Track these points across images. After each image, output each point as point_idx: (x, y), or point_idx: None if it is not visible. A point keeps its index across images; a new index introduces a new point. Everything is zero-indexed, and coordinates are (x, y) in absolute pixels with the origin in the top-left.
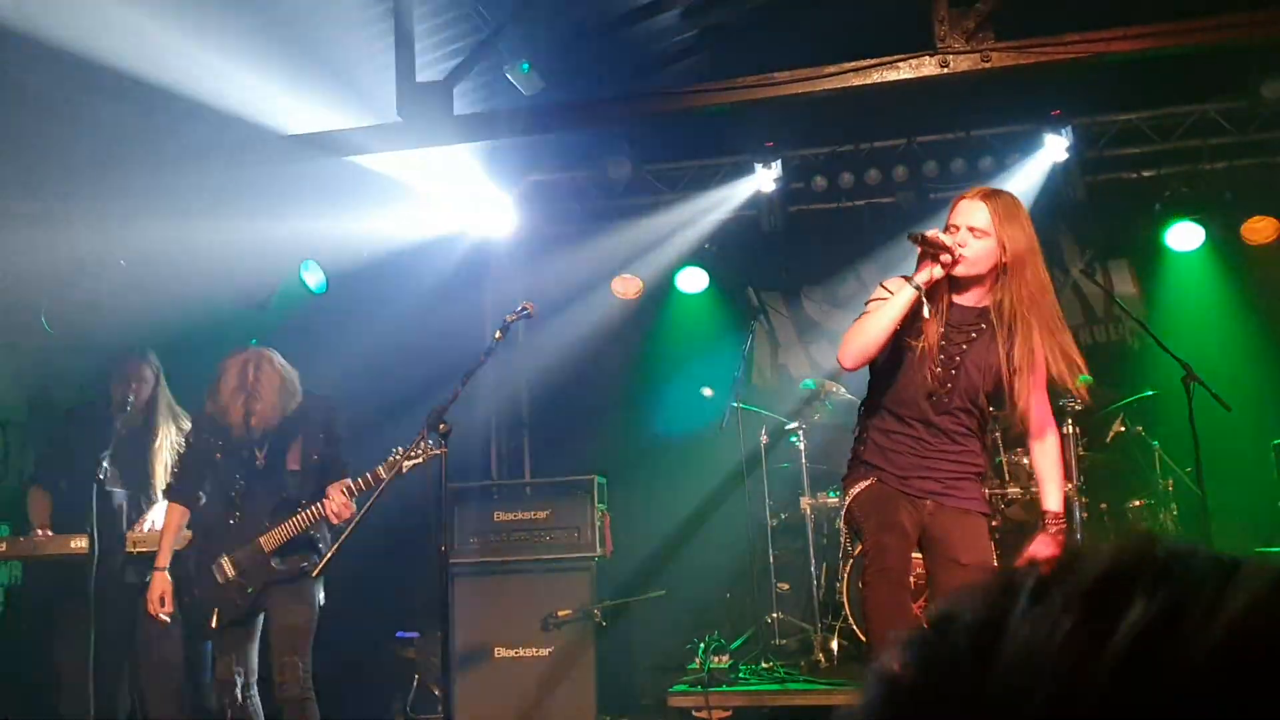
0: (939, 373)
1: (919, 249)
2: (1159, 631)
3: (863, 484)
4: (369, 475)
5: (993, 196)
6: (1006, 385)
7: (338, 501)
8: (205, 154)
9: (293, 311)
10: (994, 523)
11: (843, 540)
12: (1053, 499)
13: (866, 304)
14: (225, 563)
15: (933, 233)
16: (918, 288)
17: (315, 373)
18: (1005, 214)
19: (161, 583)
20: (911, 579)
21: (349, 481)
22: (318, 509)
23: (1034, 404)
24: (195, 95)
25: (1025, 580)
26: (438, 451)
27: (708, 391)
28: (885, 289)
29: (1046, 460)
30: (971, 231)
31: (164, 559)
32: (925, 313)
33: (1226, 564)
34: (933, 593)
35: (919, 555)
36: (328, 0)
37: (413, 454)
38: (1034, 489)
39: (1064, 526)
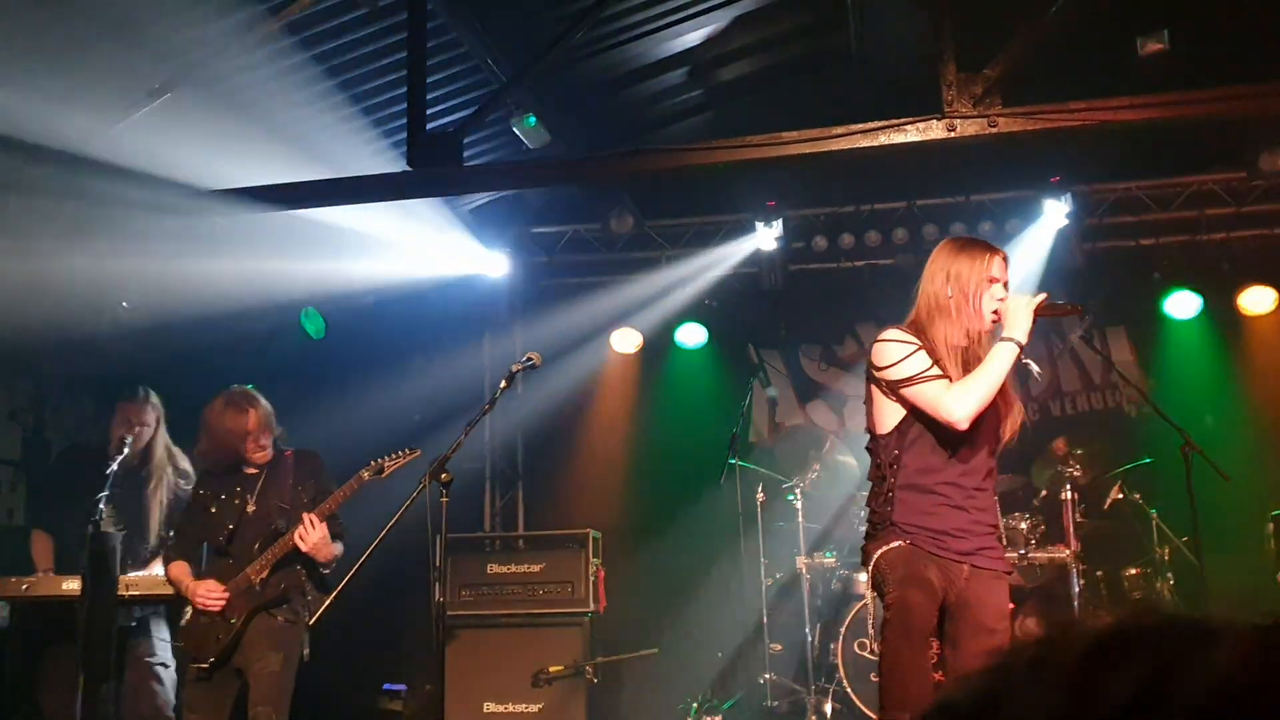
0: (1003, 417)
1: (1039, 312)
2: (1144, 699)
3: (894, 543)
4: (351, 482)
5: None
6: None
7: (307, 524)
8: None
9: (291, 357)
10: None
11: (869, 602)
12: None
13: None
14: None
15: (1043, 299)
16: (1021, 345)
17: (314, 419)
18: None
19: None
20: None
21: (325, 505)
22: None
23: None
24: None
25: (1023, 654)
26: (415, 454)
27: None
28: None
29: None
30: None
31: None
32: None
33: (1207, 629)
34: (955, 657)
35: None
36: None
37: (395, 456)
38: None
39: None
